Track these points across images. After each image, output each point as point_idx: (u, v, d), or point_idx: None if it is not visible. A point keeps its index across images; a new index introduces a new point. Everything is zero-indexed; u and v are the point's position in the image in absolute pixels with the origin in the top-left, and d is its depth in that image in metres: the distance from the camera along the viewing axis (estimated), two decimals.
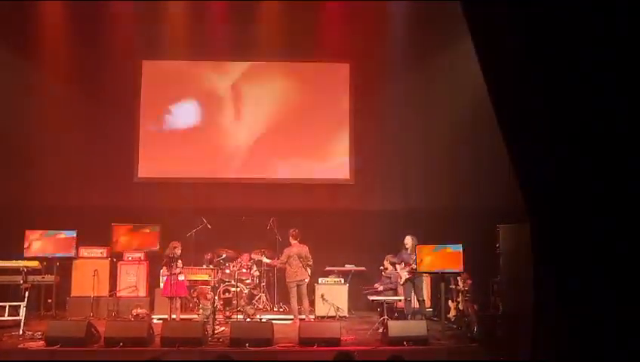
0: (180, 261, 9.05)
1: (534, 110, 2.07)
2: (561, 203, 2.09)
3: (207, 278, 8.95)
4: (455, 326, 9.31)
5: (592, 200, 2.08)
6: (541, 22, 2.07)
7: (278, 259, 9.99)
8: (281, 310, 10.50)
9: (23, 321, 8.55)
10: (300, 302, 9.65)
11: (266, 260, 10.22)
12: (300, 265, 9.62)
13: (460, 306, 9.34)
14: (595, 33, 2.29)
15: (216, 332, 8.42)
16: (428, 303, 10.44)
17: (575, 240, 2.08)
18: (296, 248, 9.69)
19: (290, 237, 9.81)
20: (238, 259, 10.48)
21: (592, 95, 2.12)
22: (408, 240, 9.74)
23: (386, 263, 9.98)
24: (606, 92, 2.13)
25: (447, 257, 8.79)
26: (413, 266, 9.44)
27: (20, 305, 8.71)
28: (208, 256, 10.18)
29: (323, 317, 9.82)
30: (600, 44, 2.15)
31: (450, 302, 9.68)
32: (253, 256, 10.39)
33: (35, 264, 9.45)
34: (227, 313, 9.65)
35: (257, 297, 10.49)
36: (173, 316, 9.04)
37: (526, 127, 2.10)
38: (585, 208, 2.05)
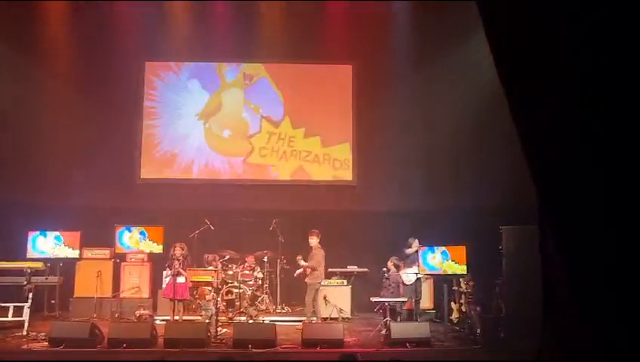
0: (177, 262, 9.02)
1: (550, 103, 2.07)
2: (574, 202, 2.09)
3: (209, 280, 8.93)
4: (458, 328, 9.30)
5: (606, 199, 2.08)
6: (559, 11, 2.07)
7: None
8: (283, 311, 10.51)
9: (26, 322, 8.58)
10: (316, 304, 9.66)
11: (303, 263, 9.83)
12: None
13: (463, 308, 9.33)
14: (618, 22, 2.25)
15: (219, 333, 8.43)
16: (431, 305, 10.46)
17: (587, 239, 2.08)
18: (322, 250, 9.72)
19: (316, 238, 9.74)
20: (246, 264, 10.45)
21: (611, 88, 2.10)
22: (415, 243, 9.78)
23: (390, 264, 9.97)
24: (626, 84, 2.09)
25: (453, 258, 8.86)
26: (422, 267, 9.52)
27: (23, 306, 8.72)
28: (209, 257, 10.11)
29: (326, 319, 9.81)
30: (624, 34, 2.12)
31: (452, 303, 9.68)
32: (299, 260, 9.82)
33: (38, 265, 9.47)
34: (230, 314, 9.65)
35: (260, 298, 10.49)
36: (176, 317, 9.04)
37: (541, 120, 2.09)
38: (598, 207, 2.05)
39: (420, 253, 9.41)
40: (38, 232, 10.27)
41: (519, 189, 6.97)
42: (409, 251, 9.96)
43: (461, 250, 8.91)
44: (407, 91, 11.65)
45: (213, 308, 8.78)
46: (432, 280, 10.33)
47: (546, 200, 2.09)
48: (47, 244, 10.25)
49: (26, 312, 8.67)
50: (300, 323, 8.99)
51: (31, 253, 10.11)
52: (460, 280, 9.36)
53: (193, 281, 8.97)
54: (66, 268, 10.21)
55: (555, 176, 2.06)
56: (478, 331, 8.52)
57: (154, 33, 11.65)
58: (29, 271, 9.14)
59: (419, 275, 9.57)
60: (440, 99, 11.50)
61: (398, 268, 9.85)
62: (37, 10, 11.25)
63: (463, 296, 9.37)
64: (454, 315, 9.64)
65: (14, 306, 8.79)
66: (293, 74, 12.27)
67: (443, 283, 9.13)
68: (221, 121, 12.16)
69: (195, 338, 7.79)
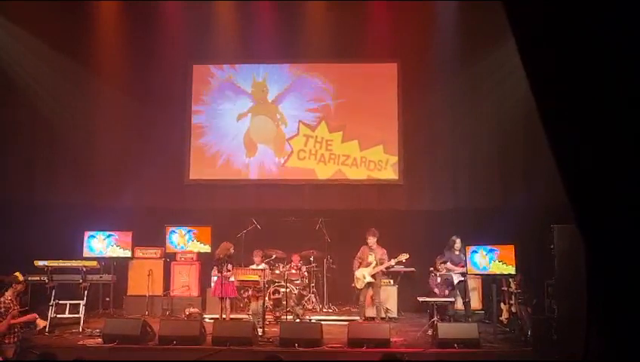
0: (225, 261, 9.13)
1: (581, 112, 1.98)
2: (610, 207, 2.00)
3: (256, 279, 9.02)
4: (508, 330, 9.08)
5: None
6: (589, 18, 1.98)
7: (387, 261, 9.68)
8: (330, 310, 10.52)
9: (82, 319, 8.91)
10: (366, 303, 9.68)
11: (392, 262, 9.73)
12: None
13: (513, 309, 9.10)
14: None
15: (265, 332, 8.50)
16: (480, 305, 10.25)
17: (629, 239, 1.99)
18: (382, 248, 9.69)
19: (374, 237, 9.68)
20: (292, 263, 10.51)
21: None
22: (458, 242, 9.61)
23: (436, 264, 9.83)
24: None
25: (501, 258, 8.65)
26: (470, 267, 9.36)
27: (79, 303, 9.06)
28: (259, 254, 10.07)
29: (372, 319, 9.76)
30: None
31: (502, 304, 9.45)
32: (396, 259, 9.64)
33: (93, 264, 9.77)
34: (277, 313, 9.73)
35: (307, 298, 10.53)
36: (224, 316, 9.18)
37: (572, 130, 2.00)
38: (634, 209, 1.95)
39: (466, 252, 9.23)
40: (93, 232, 10.64)
41: None
42: (455, 250, 9.78)
43: (509, 250, 8.68)
44: (453, 88, 11.45)
45: (257, 305, 8.87)
46: (480, 280, 10.13)
47: (579, 206, 2.00)
48: (102, 244, 10.62)
49: (82, 309, 8.99)
50: (347, 323, 9.01)
51: (86, 252, 10.49)
52: (510, 280, 9.13)
53: (239, 280, 9.07)
54: (119, 267, 10.52)
55: (589, 179, 1.97)
56: (529, 332, 8.28)
57: (200, 37, 11.89)
58: (84, 269, 9.44)
59: (464, 276, 9.40)
60: (486, 96, 11.24)
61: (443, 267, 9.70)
62: (87, 14, 11.59)
63: (512, 296, 9.14)
64: (504, 316, 9.42)
65: (70, 303, 9.14)
66: (339, 73, 12.25)
67: (492, 283, 8.91)
68: (264, 123, 12.26)
69: (242, 337, 7.88)
